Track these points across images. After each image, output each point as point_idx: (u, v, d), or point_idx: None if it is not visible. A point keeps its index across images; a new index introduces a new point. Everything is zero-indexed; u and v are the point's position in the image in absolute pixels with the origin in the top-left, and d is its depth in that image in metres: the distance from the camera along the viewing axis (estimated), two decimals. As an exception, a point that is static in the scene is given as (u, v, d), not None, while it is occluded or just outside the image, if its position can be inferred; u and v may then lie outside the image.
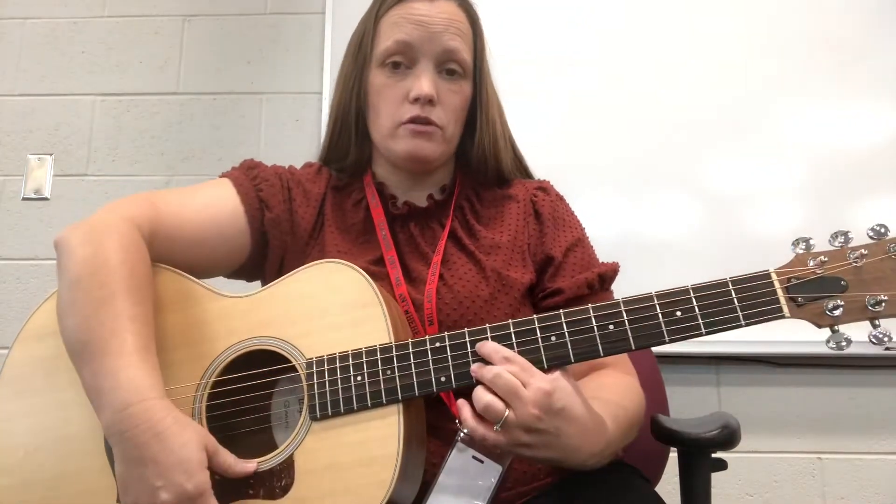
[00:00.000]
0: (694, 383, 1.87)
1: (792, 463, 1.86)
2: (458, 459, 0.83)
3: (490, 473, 0.83)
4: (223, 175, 1.06)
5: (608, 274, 1.03)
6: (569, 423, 0.77)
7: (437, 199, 1.06)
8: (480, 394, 0.77)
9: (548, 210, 1.07)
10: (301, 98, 2.12)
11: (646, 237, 1.92)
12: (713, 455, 1.05)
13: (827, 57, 1.95)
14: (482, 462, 0.84)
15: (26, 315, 0.94)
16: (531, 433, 0.76)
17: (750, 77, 1.96)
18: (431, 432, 0.87)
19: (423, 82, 0.99)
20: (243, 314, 0.89)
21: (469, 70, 1.04)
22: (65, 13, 2.22)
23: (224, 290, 0.93)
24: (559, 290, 1.00)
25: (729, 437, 1.02)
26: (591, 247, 1.08)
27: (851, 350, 0.75)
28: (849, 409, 1.86)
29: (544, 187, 1.11)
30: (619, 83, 1.99)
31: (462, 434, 0.83)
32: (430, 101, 0.99)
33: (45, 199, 2.12)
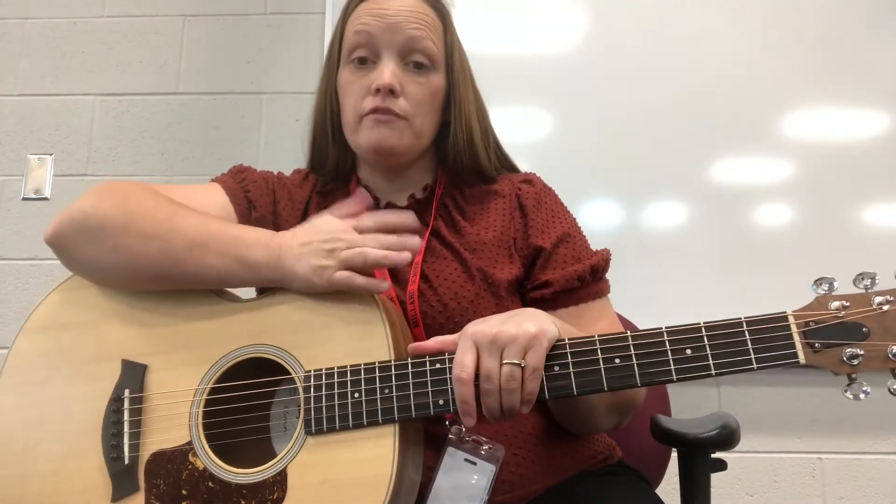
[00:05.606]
0: (694, 383, 1.86)
1: (792, 463, 1.86)
2: (451, 463, 0.84)
3: (483, 473, 0.84)
4: (213, 180, 1.07)
5: (600, 265, 1.00)
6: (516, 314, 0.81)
7: (418, 197, 1.05)
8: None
9: (532, 202, 1.04)
10: (301, 98, 2.11)
11: (646, 237, 1.92)
12: (713, 455, 1.05)
13: (826, 57, 1.95)
14: (475, 463, 0.84)
15: (26, 315, 0.93)
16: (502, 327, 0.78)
17: (750, 76, 1.95)
18: (424, 438, 0.87)
19: (385, 73, 0.98)
20: (245, 319, 0.88)
21: (438, 62, 1.03)
22: (65, 13, 2.22)
23: (226, 294, 0.92)
24: (548, 283, 0.98)
25: (729, 437, 1.02)
26: (583, 237, 1.05)
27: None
28: (849, 409, 1.85)
29: (529, 179, 1.08)
30: (619, 83, 1.98)
31: (452, 437, 0.83)
32: (391, 92, 0.97)
33: (45, 199, 2.12)
